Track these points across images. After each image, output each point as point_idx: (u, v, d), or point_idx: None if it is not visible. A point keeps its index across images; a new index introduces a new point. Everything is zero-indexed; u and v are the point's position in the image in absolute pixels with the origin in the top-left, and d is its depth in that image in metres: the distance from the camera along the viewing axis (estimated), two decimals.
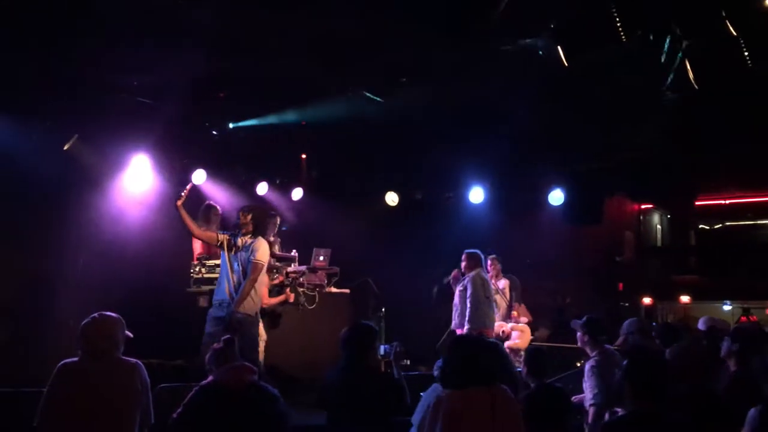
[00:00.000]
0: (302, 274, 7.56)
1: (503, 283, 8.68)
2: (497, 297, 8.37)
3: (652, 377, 3.08)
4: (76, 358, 3.69)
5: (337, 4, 5.60)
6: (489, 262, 8.37)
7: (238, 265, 6.00)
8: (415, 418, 4.20)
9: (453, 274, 7.83)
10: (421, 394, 4.40)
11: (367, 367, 4.20)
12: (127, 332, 3.82)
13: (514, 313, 8.57)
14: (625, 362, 3.26)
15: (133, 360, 3.76)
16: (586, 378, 4.76)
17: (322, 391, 4.24)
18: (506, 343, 7.97)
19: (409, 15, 5.43)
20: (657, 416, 3.01)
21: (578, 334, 5.01)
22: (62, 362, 3.66)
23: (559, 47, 5.05)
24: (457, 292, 7.69)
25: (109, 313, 3.81)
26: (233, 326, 5.72)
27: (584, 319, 5.02)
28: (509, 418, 3.34)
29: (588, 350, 4.94)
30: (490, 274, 8.27)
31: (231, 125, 8.23)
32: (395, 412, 4.16)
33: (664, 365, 3.35)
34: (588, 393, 4.69)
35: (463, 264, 7.71)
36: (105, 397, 3.58)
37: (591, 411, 4.65)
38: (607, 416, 4.46)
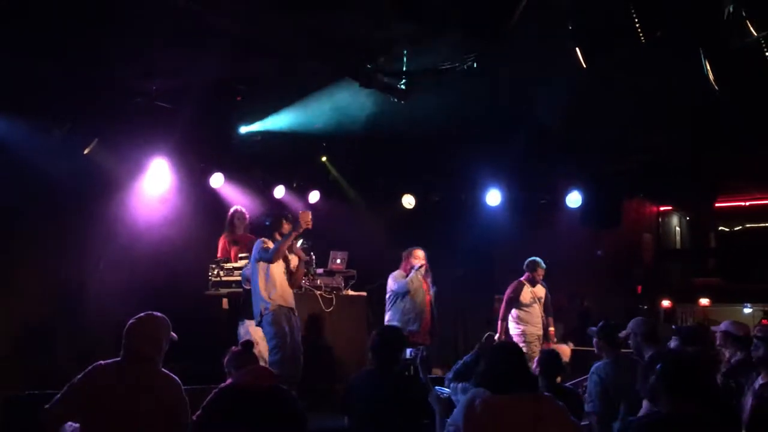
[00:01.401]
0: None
1: (542, 291, 8.03)
2: (535, 306, 7.88)
3: (689, 378, 3.03)
4: (112, 360, 3.59)
5: (354, 7, 5.61)
6: (540, 272, 7.88)
7: (285, 271, 6.18)
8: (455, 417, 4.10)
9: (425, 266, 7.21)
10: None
11: (396, 371, 4.15)
12: (173, 334, 3.74)
13: (552, 329, 7.96)
14: (658, 366, 3.19)
15: (173, 376, 3.65)
16: (588, 380, 4.78)
17: (348, 396, 4.16)
18: None
19: (426, 16, 5.42)
20: (696, 418, 2.95)
21: (594, 340, 4.98)
22: (96, 363, 3.55)
23: (577, 48, 5.03)
24: (430, 291, 7.31)
25: (156, 313, 3.72)
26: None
27: (599, 325, 5.00)
28: (555, 424, 3.18)
29: (604, 356, 4.92)
30: (537, 281, 7.93)
31: (245, 129, 8.22)
32: (424, 416, 4.10)
33: (702, 366, 3.26)
34: (587, 401, 4.70)
35: (425, 262, 7.22)
36: (138, 404, 3.46)
37: (592, 419, 4.64)
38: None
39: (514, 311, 7.94)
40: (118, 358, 3.59)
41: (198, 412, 3.62)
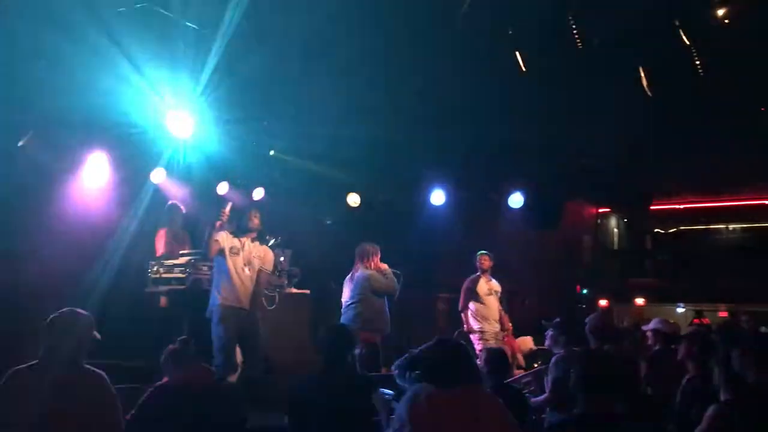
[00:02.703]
0: None
1: (498, 285, 8.10)
2: (491, 299, 7.91)
3: (600, 377, 3.10)
4: (30, 363, 3.40)
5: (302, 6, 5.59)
6: (483, 258, 7.96)
7: (245, 267, 6.07)
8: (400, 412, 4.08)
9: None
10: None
11: (346, 371, 4.10)
12: (95, 333, 3.56)
13: (509, 325, 8.01)
14: (574, 367, 3.27)
15: (98, 371, 3.49)
16: (550, 369, 4.86)
17: (294, 397, 4.00)
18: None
19: (371, 14, 5.45)
20: (609, 416, 3.03)
21: (550, 333, 5.07)
22: (14, 369, 3.37)
23: (517, 53, 5.13)
24: None
25: (79, 310, 3.56)
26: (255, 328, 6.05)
27: (559, 319, 5.12)
28: (494, 420, 3.21)
29: (560, 349, 4.97)
30: (486, 273, 7.97)
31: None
32: (375, 415, 4.06)
33: (616, 365, 3.36)
34: (548, 384, 4.81)
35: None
36: (65, 406, 3.30)
37: (549, 396, 4.77)
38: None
39: (471, 304, 7.93)
40: (36, 361, 3.42)
41: (133, 411, 3.57)
